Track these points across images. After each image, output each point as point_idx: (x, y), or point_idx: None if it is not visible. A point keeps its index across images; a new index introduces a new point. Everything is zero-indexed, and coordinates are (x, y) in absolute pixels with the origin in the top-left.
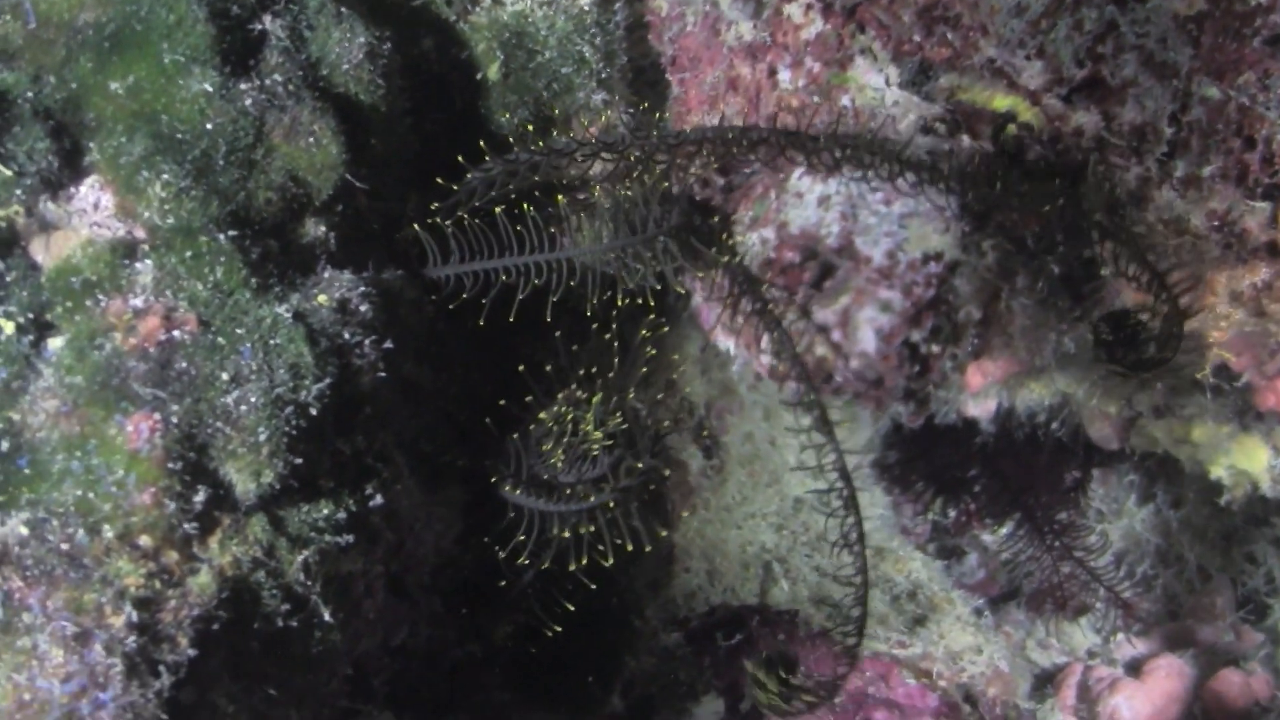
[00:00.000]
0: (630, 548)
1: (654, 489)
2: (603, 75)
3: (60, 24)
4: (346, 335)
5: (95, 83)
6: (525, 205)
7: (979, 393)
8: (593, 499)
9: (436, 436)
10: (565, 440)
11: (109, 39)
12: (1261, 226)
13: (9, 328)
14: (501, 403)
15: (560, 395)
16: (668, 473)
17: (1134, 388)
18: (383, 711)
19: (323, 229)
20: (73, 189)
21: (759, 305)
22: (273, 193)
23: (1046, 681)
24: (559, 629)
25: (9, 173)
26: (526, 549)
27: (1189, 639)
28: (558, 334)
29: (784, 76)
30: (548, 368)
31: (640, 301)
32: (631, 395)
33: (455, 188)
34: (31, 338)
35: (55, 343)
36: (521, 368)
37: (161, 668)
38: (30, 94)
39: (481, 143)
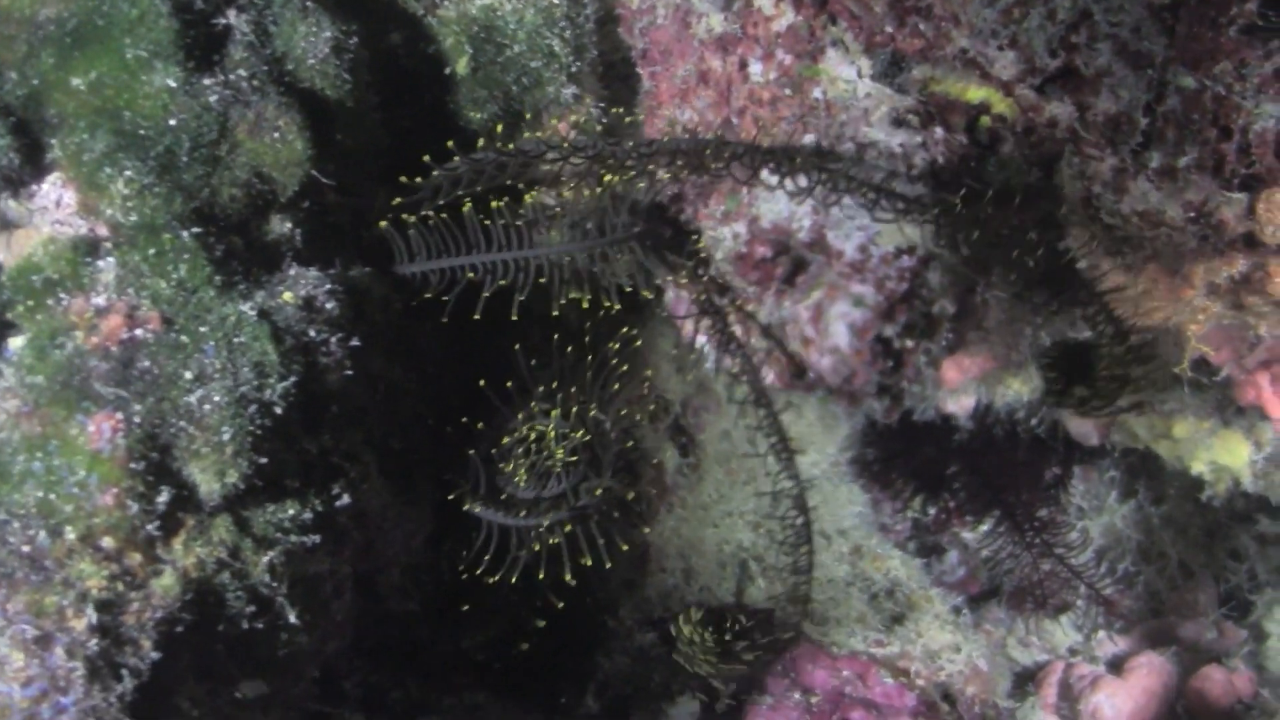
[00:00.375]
0: (589, 563)
1: (612, 508)
2: (573, 69)
3: (21, 19)
4: (312, 333)
5: (57, 79)
6: (495, 203)
7: (957, 389)
8: (548, 518)
9: (406, 434)
10: (529, 460)
11: (71, 34)
12: (1238, 218)
13: None
14: (464, 420)
15: (521, 416)
16: (631, 495)
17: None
18: (354, 714)
19: (288, 226)
20: (34, 186)
21: (717, 306)
22: (237, 189)
23: (1028, 679)
24: (534, 631)
25: None
26: (484, 561)
27: (1171, 636)
28: (516, 347)
29: (755, 69)
30: (508, 383)
31: (607, 305)
32: (594, 411)
33: (419, 181)
34: None
35: (16, 342)
36: (483, 382)
37: (124, 671)
38: None
39: (450, 142)
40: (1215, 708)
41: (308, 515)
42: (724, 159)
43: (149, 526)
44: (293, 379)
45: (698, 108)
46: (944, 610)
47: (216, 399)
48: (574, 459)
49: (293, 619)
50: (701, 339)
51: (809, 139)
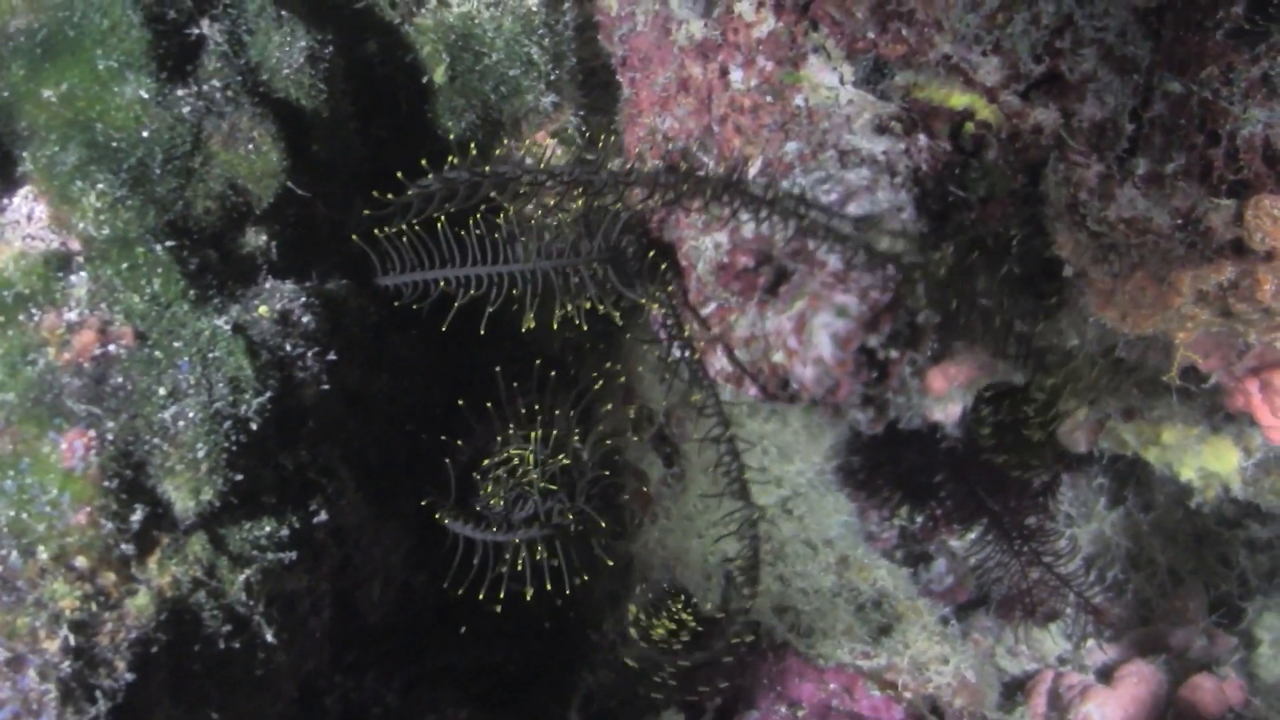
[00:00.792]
0: (567, 585)
1: (588, 529)
2: (552, 77)
3: None
4: (288, 347)
5: (27, 90)
6: (473, 218)
7: (943, 397)
8: (519, 535)
9: (384, 449)
10: (506, 482)
11: (41, 45)
12: (1226, 224)
13: None
14: (443, 436)
15: (500, 437)
16: (604, 524)
17: (1102, 390)
18: None
19: (264, 238)
20: (5, 200)
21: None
22: (211, 201)
23: (1016, 689)
24: (517, 647)
25: None
26: (464, 577)
27: (1161, 644)
28: (497, 369)
29: (736, 76)
30: (488, 404)
31: (577, 324)
32: (575, 439)
33: (392, 197)
34: None
35: None
36: (461, 402)
37: (98, 693)
38: None
39: (424, 160)
40: (1205, 716)
41: (284, 532)
42: (701, 195)
43: (123, 545)
44: (268, 394)
45: (678, 115)
46: (932, 621)
47: (191, 415)
48: (552, 486)
49: (270, 638)
50: (677, 353)
51: (791, 146)
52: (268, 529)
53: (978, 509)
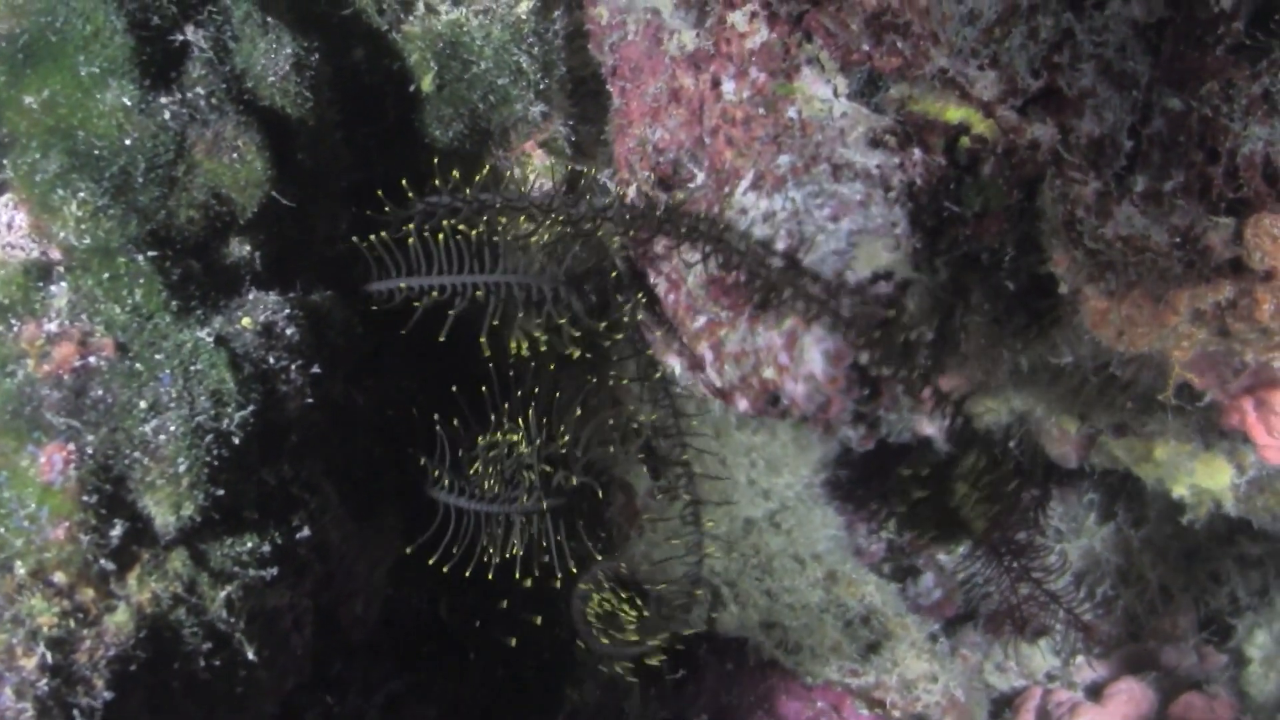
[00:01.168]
0: (561, 570)
1: (586, 506)
2: (541, 86)
3: None
4: (272, 360)
5: (8, 97)
6: (440, 232)
7: (934, 410)
8: (516, 507)
9: (368, 463)
10: (500, 465)
11: (22, 50)
12: (1225, 243)
13: None
14: (437, 428)
15: (484, 440)
16: (600, 494)
17: (1093, 405)
18: None
19: (247, 248)
20: None
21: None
22: (195, 211)
23: (1005, 705)
24: (501, 663)
25: None
26: (452, 553)
27: (1151, 661)
28: (483, 389)
29: (728, 87)
30: (455, 421)
31: (538, 338)
32: (563, 435)
33: (373, 214)
34: None
35: None
36: (455, 388)
37: (76, 712)
38: None
39: (405, 181)
40: None
41: (266, 548)
42: (675, 236)
43: (102, 561)
44: (251, 408)
45: (669, 126)
46: (920, 638)
47: (172, 429)
48: (548, 468)
49: (251, 655)
50: (672, 364)
51: (784, 159)
52: (249, 545)
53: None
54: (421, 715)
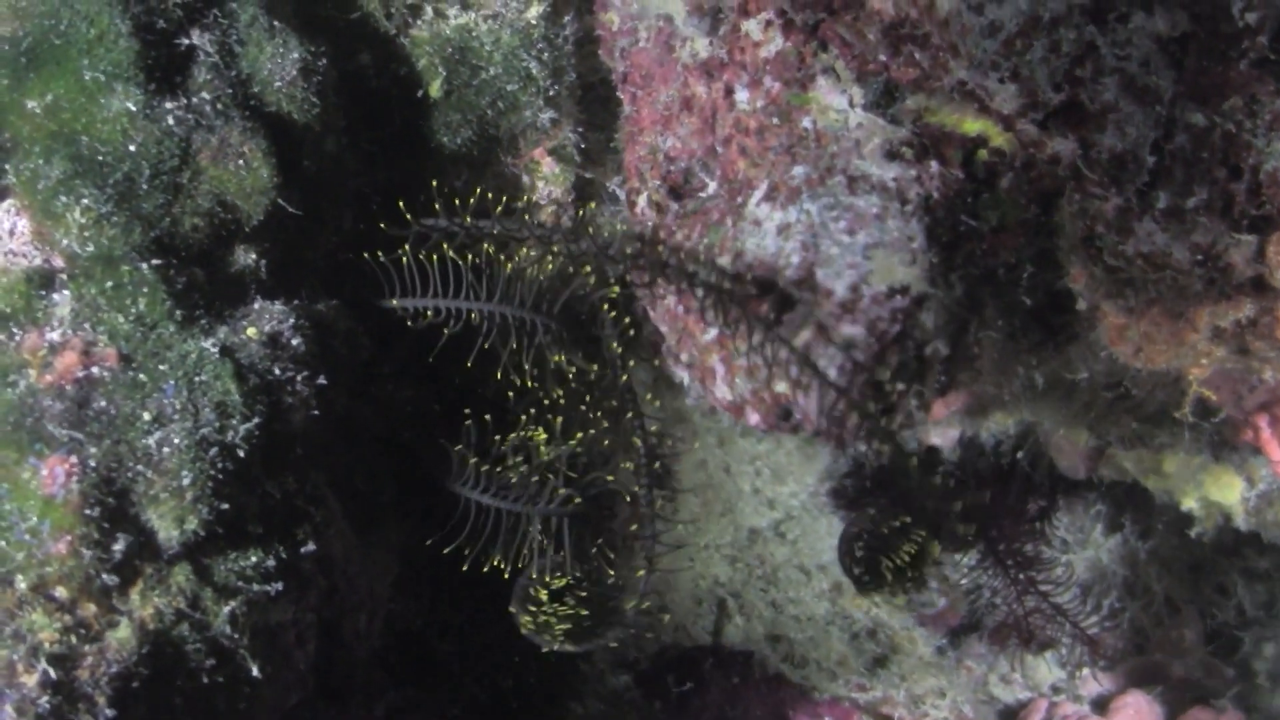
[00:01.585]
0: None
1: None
2: (550, 93)
3: None
4: (277, 371)
5: (10, 101)
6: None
7: (941, 421)
8: (541, 505)
9: (372, 475)
10: (527, 462)
11: (26, 54)
12: (1247, 261)
13: None
14: (479, 420)
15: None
16: (628, 497)
17: (1104, 419)
18: None
19: (253, 257)
20: None
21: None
22: (199, 218)
23: (1010, 718)
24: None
25: None
26: (475, 548)
27: (1157, 674)
28: (486, 418)
29: (741, 96)
30: (487, 417)
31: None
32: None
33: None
34: None
35: None
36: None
37: None
38: None
39: (401, 202)
40: None
41: (271, 562)
42: (667, 279)
43: (104, 576)
44: (257, 420)
45: (681, 134)
46: (928, 652)
47: (176, 441)
48: (571, 473)
49: (255, 671)
50: (682, 374)
51: (798, 170)
52: (254, 559)
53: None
54: None
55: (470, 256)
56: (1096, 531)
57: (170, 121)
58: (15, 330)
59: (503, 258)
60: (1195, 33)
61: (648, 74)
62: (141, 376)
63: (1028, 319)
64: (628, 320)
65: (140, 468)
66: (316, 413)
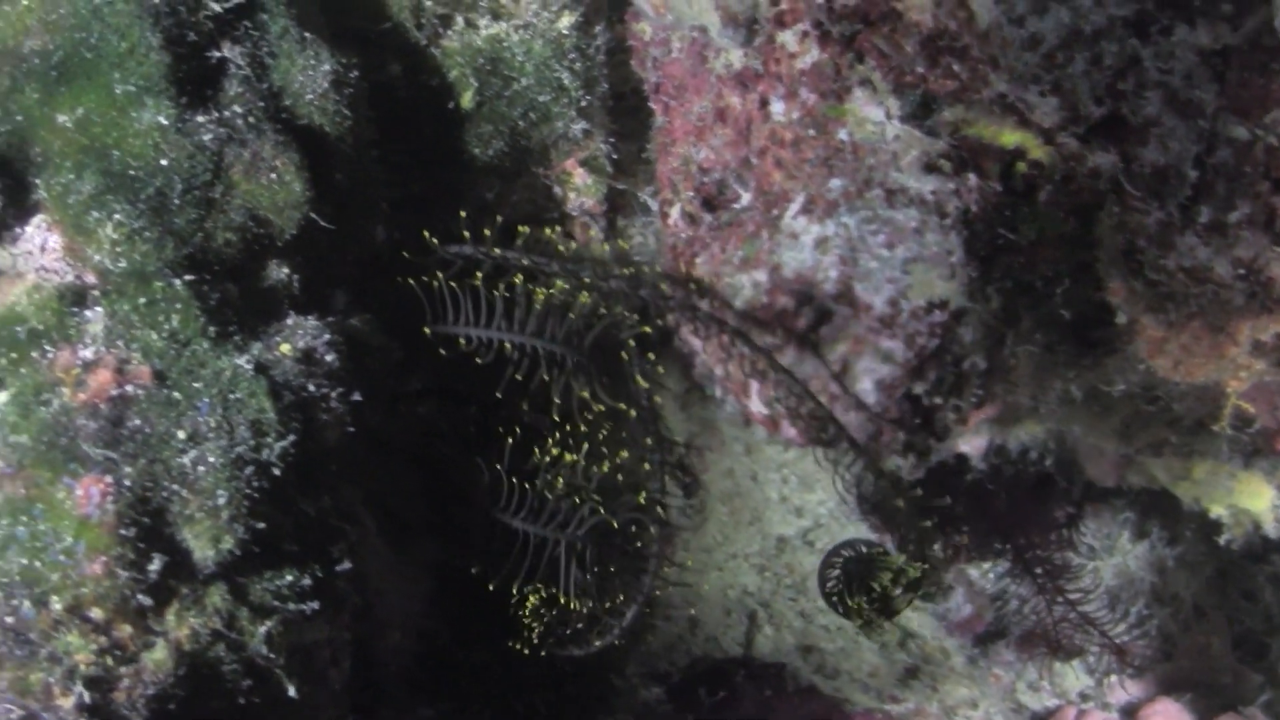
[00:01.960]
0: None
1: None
2: (582, 103)
3: (4, 51)
4: (312, 388)
5: (42, 115)
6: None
7: (969, 430)
8: (581, 526)
9: (404, 492)
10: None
11: (56, 68)
12: None
13: None
14: (509, 441)
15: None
16: (661, 512)
17: (1136, 428)
18: None
19: (285, 271)
20: (18, 229)
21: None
22: (232, 233)
23: None
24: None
25: None
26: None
27: (1186, 681)
28: (504, 439)
29: (777, 108)
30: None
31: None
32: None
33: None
34: None
35: None
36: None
37: None
38: None
39: (426, 232)
40: None
41: (306, 581)
42: (692, 320)
43: (140, 596)
44: (291, 438)
45: (714, 146)
46: (959, 662)
47: (211, 460)
48: (597, 499)
49: (292, 691)
50: (716, 388)
51: (835, 183)
52: (289, 578)
53: (1000, 544)
54: None
55: (501, 285)
56: (1124, 538)
57: (202, 135)
58: (48, 348)
59: (532, 288)
60: (1238, 45)
61: (681, 84)
62: (176, 394)
63: (1065, 332)
64: (652, 357)
65: (175, 487)
66: (351, 429)
